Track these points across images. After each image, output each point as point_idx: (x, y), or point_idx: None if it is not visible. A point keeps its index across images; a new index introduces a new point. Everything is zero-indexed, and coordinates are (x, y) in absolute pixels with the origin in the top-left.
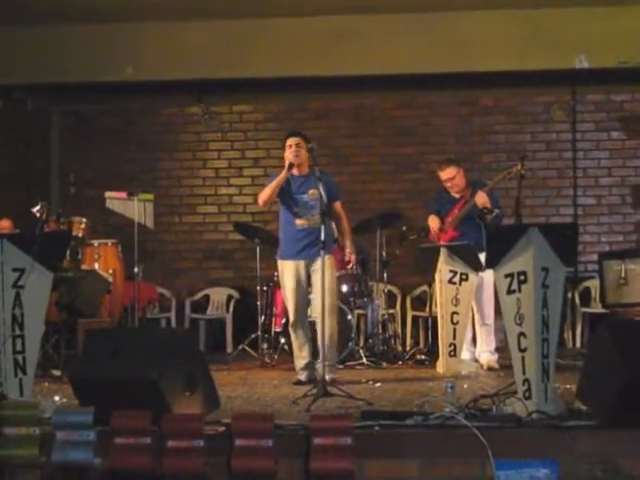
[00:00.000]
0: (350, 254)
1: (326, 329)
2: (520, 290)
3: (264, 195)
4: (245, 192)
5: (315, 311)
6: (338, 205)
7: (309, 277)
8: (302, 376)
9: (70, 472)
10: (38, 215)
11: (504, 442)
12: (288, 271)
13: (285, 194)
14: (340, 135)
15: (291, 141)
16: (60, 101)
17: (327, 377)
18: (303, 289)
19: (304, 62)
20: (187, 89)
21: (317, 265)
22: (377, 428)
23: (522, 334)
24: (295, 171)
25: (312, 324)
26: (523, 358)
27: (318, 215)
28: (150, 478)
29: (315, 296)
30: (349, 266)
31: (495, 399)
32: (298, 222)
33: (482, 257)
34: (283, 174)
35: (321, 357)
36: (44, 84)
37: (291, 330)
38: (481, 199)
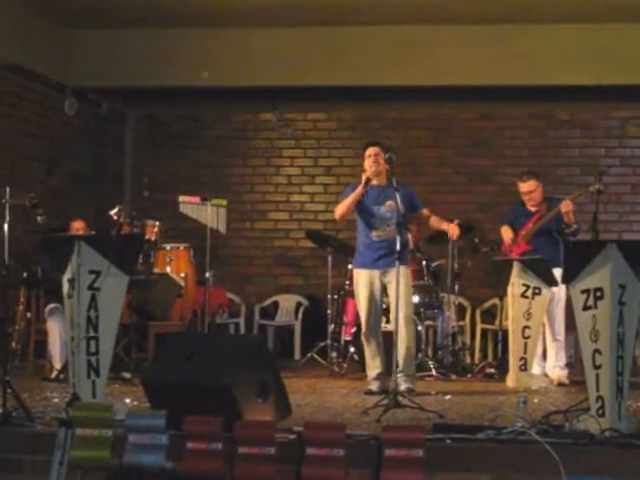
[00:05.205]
0: (453, 223)
1: (403, 340)
2: (596, 306)
3: (340, 209)
4: (317, 200)
5: (392, 319)
6: (424, 212)
7: (383, 287)
8: (374, 386)
9: (141, 475)
10: (115, 218)
11: (576, 459)
12: (362, 280)
13: (362, 205)
14: (414, 145)
15: (370, 151)
16: (135, 104)
17: (404, 387)
18: (376, 299)
19: (379, 71)
20: (261, 95)
21: (392, 276)
22: (449, 441)
23: (597, 351)
24: (374, 181)
25: (389, 334)
26: (597, 375)
27: (394, 226)
28: None
29: (391, 307)
30: (455, 234)
31: (567, 415)
32: (374, 233)
33: (555, 272)
34: (360, 189)
35: (393, 368)
36: (119, 87)
37: (364, 339)
38: (567, 206)
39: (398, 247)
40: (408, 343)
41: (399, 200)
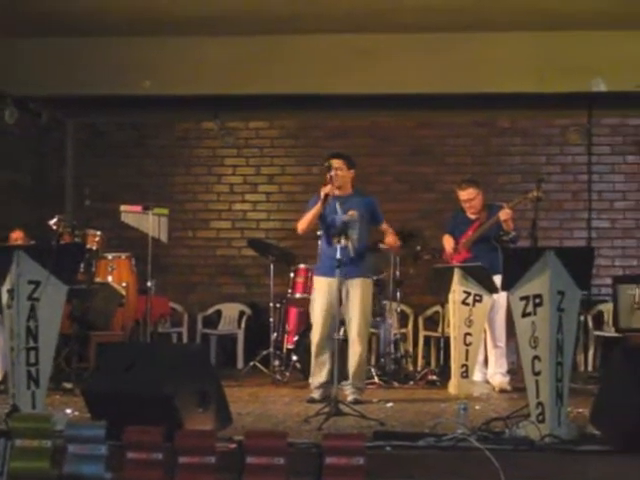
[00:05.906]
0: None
1: (356, 353)
2: (535, 313)
3: (302, 224)
4: (259, 208)
5: (347, 331)
6: (383, 226)
7: (342, 297)
8: (316, 394)
9: None
10: (54, 228)
11: (516, 465)
12: (320, 287)
13: (323, 214)
14: (356, 154)
15: (330, 164)
16: (76, 113)
17: (351, 397)
18: (333, 307)
19: (321, 79)
20: (203, 104)
21: (351, 285)
22: (389, 449)
23: (536, 357)
24: (336, 192)
25: (343, 343)
26: (537, 381)
27: (356, 235)
28: None
29: (346, 317)
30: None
31: (508, 422)
32: (335, 241)
33: (496, 279)
34: (319, 205)
35: (334, 376)
36: (60, 96)
37: (315, 348)
38: (505, 215)
39: (338, 255)
40: (361, 357)
41: (339, 210)
